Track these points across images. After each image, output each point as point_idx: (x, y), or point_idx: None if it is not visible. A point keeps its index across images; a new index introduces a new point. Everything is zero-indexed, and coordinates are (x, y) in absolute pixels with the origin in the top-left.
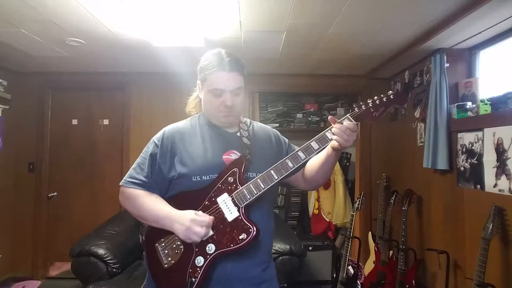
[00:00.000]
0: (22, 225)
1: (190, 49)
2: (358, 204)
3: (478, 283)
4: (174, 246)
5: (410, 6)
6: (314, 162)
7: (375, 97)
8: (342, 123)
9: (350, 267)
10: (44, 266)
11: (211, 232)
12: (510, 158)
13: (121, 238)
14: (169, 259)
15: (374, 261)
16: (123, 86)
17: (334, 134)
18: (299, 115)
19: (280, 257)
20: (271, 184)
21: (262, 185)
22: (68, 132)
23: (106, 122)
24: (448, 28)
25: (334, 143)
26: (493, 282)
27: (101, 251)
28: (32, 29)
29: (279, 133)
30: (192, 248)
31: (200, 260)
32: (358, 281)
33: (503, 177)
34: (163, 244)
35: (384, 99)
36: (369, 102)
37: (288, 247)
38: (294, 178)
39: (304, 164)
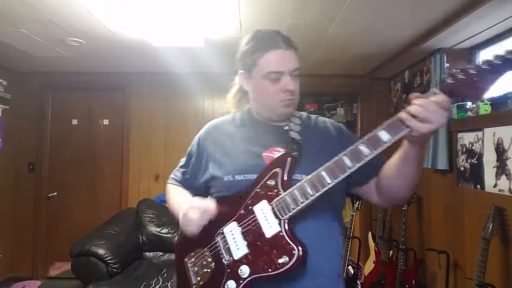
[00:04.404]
0: (22, 225)
1: (190, 49)
2: (358, 204)
3: (478, 283)
4: (205, 263)
5: (410, 6)
6: (389, 165)
7: (480, 62)
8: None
9: (350, 267)
10: (44, 266)
11: (245, 250)
12: (510, 158)
13: (121, 238)
14: (198, 278)
15: (374, 261)
16: (123, 86)
17: (410, 114)
18: None
19: None
20: (321, 191)
21: (310, 192)
22: (68, 132)
23: (106, 122)
24: (448, 28)
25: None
26: (493, 282)
27: (101, 251)
28: (32, 29)
29: (348, 132)
30: (224, 268)
31: (231, 286)
32: (358, 281)
33: (503, 177)
34: (193, 260)
35: (498, 62)
36: (470, 67)
37: None
38: (367, 188)
39: (375, 166)
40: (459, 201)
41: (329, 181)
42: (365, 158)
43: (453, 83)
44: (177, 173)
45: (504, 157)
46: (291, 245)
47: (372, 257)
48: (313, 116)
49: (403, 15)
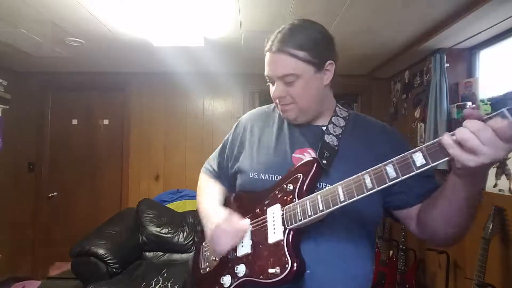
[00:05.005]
0: (22, 225)
1: (190, 49)
2: None
3: (478, 283)
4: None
5: (410, 6)
6: (432, 196)
7: None
8: (483, 121)
9: None
10: (44, 266)
11: (248, 250)
12: (510, 158)
13: (121, 238)
14: (206, 264)
15: None
16: (123, 86)
17: (455, 140)
18: None
19: None
20: (332, 208)
21: (320, 206)
22: (68, 132)
23: (106, 122)
24: (448, 28)
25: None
26: (493, 282)
27: (101, 251)
28: (32, 29)
29: (401, 139)
30: (227, 261)
31: (226, 281)
32: None
33: (503, 177)
34: (207, 246)
35: None
36: None
37: None
38: (406, 213)
39: (422, 190)
40: None
41: (342, 199)
42: (389, 181)
43: None
44: (212, 163)
45: (504, 157)
46: (286, 257)
47: None
48: (361, 116)
49: (403, 15)
